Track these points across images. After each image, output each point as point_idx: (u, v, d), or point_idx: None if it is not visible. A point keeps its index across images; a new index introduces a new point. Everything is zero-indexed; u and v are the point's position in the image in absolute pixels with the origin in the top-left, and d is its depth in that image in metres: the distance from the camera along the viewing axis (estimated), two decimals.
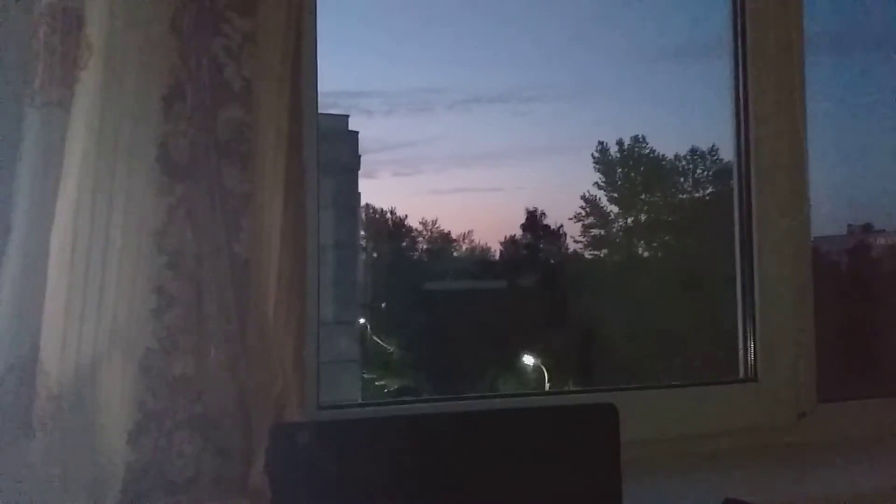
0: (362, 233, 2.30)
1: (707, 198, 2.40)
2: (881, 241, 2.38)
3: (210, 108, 0.92)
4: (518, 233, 2.56)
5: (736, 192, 1.37)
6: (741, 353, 1.34)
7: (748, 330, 1.33)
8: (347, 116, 2.11)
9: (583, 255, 2.54)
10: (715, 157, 2.39)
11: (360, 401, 1.86)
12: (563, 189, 2.50)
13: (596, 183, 2.43)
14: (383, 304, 2.33)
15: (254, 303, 0.94)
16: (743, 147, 1.36)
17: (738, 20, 1.38)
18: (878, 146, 1.92)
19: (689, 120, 2.36)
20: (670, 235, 2.64)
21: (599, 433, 1.00)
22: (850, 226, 2.32)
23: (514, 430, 1.00)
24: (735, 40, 1.38)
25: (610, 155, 2.43)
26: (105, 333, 0.86)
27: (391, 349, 2.45)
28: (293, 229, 0.96)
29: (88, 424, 0.86)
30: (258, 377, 0.94)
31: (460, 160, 2.37)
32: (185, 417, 0.91)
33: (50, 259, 0.86)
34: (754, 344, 1.32)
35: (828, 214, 1.79)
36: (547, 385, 2.26)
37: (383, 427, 0.98)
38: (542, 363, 2.33)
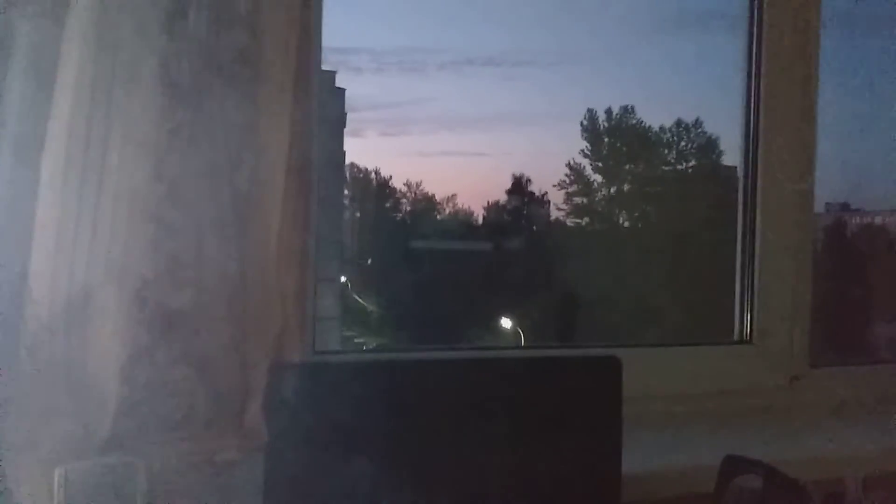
0: (346, 192, 2.26)
1: (689, 170, 2.40)
2: (856, 220, 2.42)
3: (214, 29, 0.87)
4: (502, 198, 2.54)
5: (741, 157, 1.36)
6: (737, 315, 1.34)
7: (746, 293, 1.33)
8: (335, 73, 2.06)
9: (564, 223, 2.52)
10: (699, 130, 2.39)
11: None
12: (549, 157, 2.48)
13: (582, 151, 2.41)
14: (369, 261, 2.30)
15: (255, 238, 0.90)
16: (752, 113, 1.36)
17: None
18: (859, 127, 1.93)
19: (677, 92, 2.34)
20: (651, 206, 2.64)
21: (602, 385, 0.99)
22: (828, 204, 2.34)
23: (517, 379, 0.98)
24: (751, 9, 1.37)
25: (598, 124, 2.41)
26: (99, 262, 0.82)
27: (371, 308, 2.42)
28: (298, 164, 0.92)
29: (79, 357, 0.82)
30: (258, 315, 0.90)
31: (448, 123, 2.33)
32: (180, 353, 0.87)
33: (41, 182, 0.81)
34: (752, 307, 1.32)
35: None
36: None
37: (388, 371, 0.95)
38: (520, 327, 2.32)
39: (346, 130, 2.11)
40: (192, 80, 0.86)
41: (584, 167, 2.45)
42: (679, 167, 2.46)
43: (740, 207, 1.36)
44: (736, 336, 1.35)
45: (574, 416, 0.97)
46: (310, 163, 0.95)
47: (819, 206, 2.34)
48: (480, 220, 2.55)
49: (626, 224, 2.73)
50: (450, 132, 2.32)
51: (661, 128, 2.45)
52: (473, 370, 0.99)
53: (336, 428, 0.89)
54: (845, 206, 2.39)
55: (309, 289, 1.02)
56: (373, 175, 2.41)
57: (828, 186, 2.05)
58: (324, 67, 1.98)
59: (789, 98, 1.33)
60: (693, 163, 2.41)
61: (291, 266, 0.93)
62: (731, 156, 2.15)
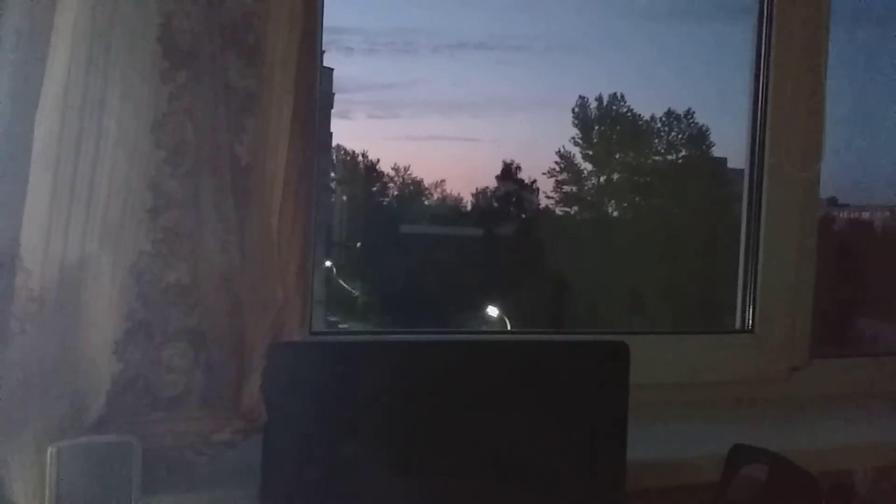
0: (332, 174, 2.22)
1: (679, 161, 2.39)
2: (844, 214, 2.42)
3: None
4: (491, 185, 2.51)
5: (747, 148, 1.35)
6: (739, 303, 1.33)
7: (749, 282, 1.32)
8: (323, 52, 2.01)
9: (553, 211, 2.50)
10: (690, 121, 2.37)
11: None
12: (540, 143, 2.45)
13: (572, 138, 2.39)
14: (358, 244, 2.26)
15: (255, 211, 0.87)
16: (760, 104, 1.36)
17: None
18: (849, 123, 1.92)
19: (675, 82, 2.32)
20: (640, 196, 2.62)
21: (609, 371, 0.97)
22: None
23: (524, 362, 0.95)
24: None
25: (589, 111, 2.38)
26: (94, 232, 0.78)
27: (356, 292, 2.39)
28: (302, 135, 0.88)
29: (72, 330, 0.78)
30: (257, 291, 0.87)
31: (439, 106, 2.28)
32: (176, 329, 0.84)
33: (34, 147, 0.77)
34: (754, 296, 1.31)
35: None
36: None
37: (389, 352, 0.92)
38: (506, 314, 2.30)
39: (333, 111, 2.06)
40: (194, 42, 0.82)
41: (574, 155, 2.43)
42: (670, 157, 2.45)
43: (745, 197, 1.35)
44: (738, 325, 1.33)
45: (580, 401, 0.95)
46: (312, 136, 0.91)
47: None
48: (469, 207, 2.52)
49: (616, 213, 2.71)
50: (440, 116, 2.28)
51: (653, 117, 2.43)
52: (477, 353, 0.96)
53: (334, 408, 0.86)
54: (833, 201, 2.40)
55: (309, 267, 0.98)
56: (360, 158, 2.37)
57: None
58: None
59: (798, 88, 1.32)
60: (684, 153, 2.39)
61: (293, 242, 0.89)
62: (723, 147, 2.15)
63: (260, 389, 0.86)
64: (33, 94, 0.77)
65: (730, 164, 2.01)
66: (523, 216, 2.57)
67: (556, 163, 2.40)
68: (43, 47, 0.76)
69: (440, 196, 2.46)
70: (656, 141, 2.45)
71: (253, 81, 0.86)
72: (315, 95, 0.92)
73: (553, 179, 2.43)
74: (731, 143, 1.74)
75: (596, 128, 2.41)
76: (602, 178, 2.51)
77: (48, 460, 0.73)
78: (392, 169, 2.39)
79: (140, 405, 0.82)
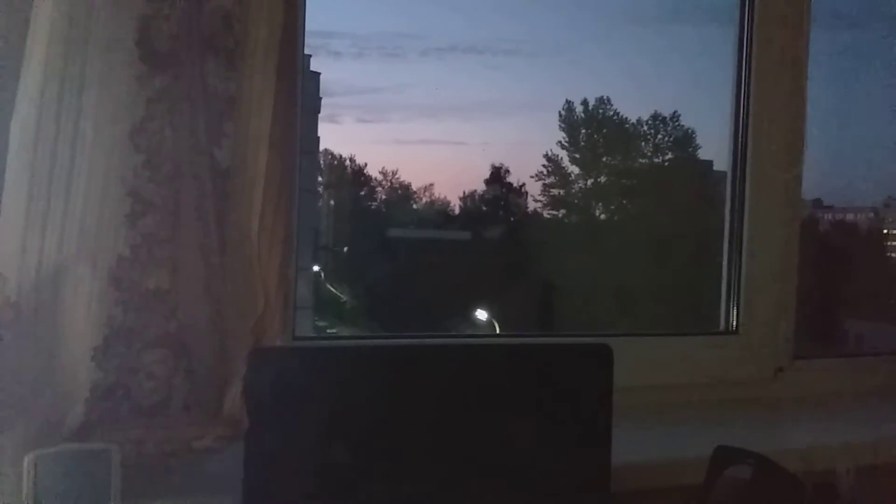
0: (320, 178, 2.22)
1: (666, 164, 2.39)
2: (829, 216, 2.44)
3: None
4: (479, 188, 2.51)
5: (729, 150, 1.37)
6: (723, 305, 1.33)
7: (732, 283, 1.32)
8: (310, 56, 2.01)
9: (541, 215, 2.50)
10: (676, 124, 2.38)
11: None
12: (528, 147, 2.45)
13: (559, 142, 2.39)
14: (345, 249, 2.25)
15: (235, 216, 0.86)
16: (742, 106, 1.37)
17: None
18: (832, 124, 1.93)
19: (660, 85, 2.33)
20: (628, 199, 2.63)
21: (593, 373, 0.96)
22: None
23: (505, 366, 0.95)
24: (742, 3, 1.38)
25: (576, 114, 2.39)
26: (72, 238, 0.78)
27: (344, 297, 2.38)
28: (283, 139, 0.88)
29: (50, 338, 0.78)
30: (238, 296, 0.86)
31: (427, 110, 2.28)
32: (156, 335, 0.83)
33: (10, 152, 0.77)
34: (738, 297, 1.31)
35: None
36: None
37: (372, 357, 0.92)
38: (495, 317, 2.30)
39: (320, 116, 2.06)
40: (172, 46, 0.82)
41: (562, 158, 2.43)
42: (656, 160, 2.45)
43: (728, 199, 1.36)
44: (722, 326, 1.34)
45: (564, 404, 0.95)
46: (294, 140, 0.91)
47: None
48: (457, 210, 2.52)
49: (603, 216, 2.71)
50: (429, 120, 2.28)
51: (639, 120, 2.44)
52: (460, 357, 0.96)
53: (316, 414, 0.86)
54: (818, 203, 2.42)
55: (291, 271, 0.98)
56: (348, 162, 2.36)
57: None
58: None
59: (779, 91, 1.33)
60: (671, 156, 2.40)
61: (274, 247, 0.89)
62: (709, 149, 2.15)
63: (241, 396, 0.85)
64: (8, 102, 0.76)
65: (716, 167, 2.02)
66: (511, 219, 2.57)
67: (544, 166, 2.41)
68: (18, 51, 0.76)
69: (428, 200, 2.46)
70: (643, 144, 2.46)
71: (233, 85, 0.86)
72: (296, 99, 0.91)
73: (541, 183, 2.43)
74: (717, 146, 1.75)
75: (583, 131, 2.41)
76: (589, 181, 2.51)
77: (25, 468, 0.72)
78: (380, 173, 2.39)
79: (120, 412, 0.82)
